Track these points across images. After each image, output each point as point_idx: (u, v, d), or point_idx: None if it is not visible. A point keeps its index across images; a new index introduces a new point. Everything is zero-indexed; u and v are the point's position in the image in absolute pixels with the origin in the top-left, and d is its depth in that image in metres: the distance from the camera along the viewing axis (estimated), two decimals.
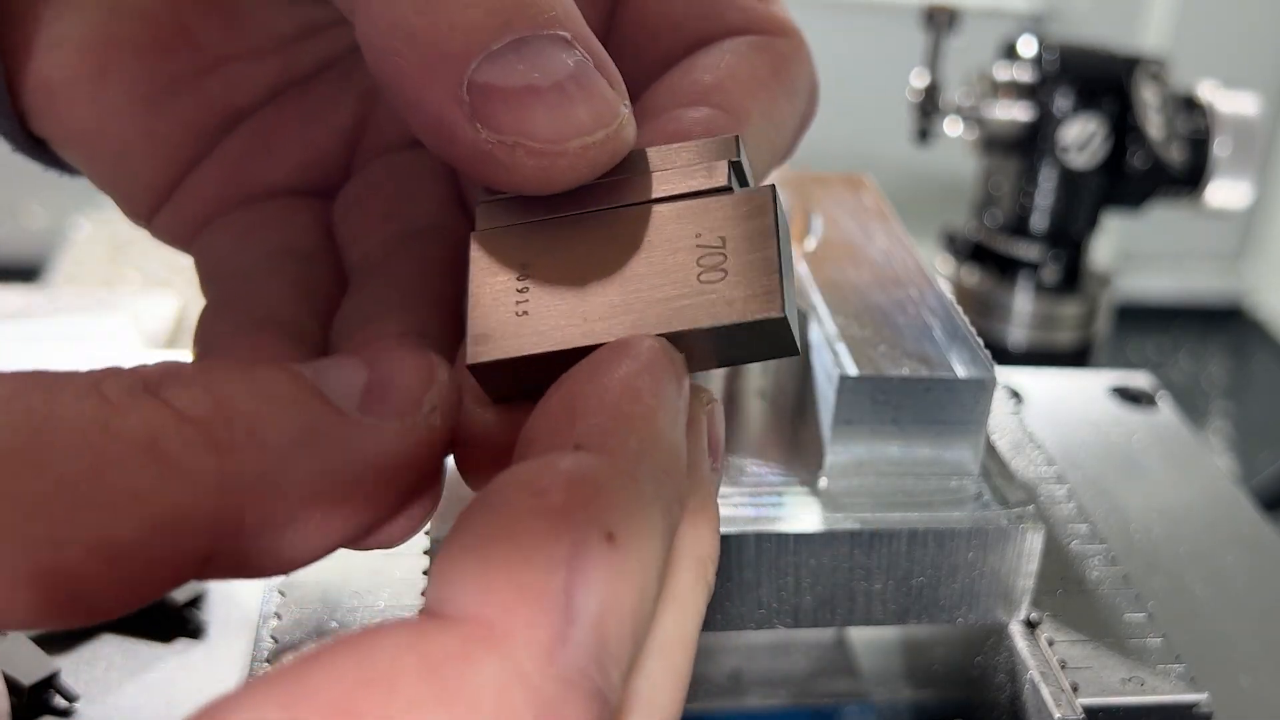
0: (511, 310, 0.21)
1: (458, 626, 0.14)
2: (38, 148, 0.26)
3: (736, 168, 0.21)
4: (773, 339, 0.20)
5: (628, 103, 0.21)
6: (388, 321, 0.23)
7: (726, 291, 0.20)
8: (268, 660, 0.28)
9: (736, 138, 0.22)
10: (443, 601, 0.15)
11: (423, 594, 0.29)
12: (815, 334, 0.32)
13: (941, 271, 0.83)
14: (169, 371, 0.17)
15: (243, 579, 0.18)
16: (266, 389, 0.17)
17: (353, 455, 0.17)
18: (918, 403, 0.30)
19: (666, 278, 0.20)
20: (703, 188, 0.21)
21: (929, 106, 0.76)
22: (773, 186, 0.21)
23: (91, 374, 0.16)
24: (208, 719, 0.13)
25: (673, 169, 0.21)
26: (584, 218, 0.21)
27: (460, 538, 0.15)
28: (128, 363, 0.17)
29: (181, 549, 0.16)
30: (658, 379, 0.18)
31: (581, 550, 0.15)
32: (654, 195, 0.21)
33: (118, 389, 0.16)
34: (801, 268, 0.35)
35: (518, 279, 0.21)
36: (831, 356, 0.31)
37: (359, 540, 0.18)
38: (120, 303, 0.67)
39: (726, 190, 0.21)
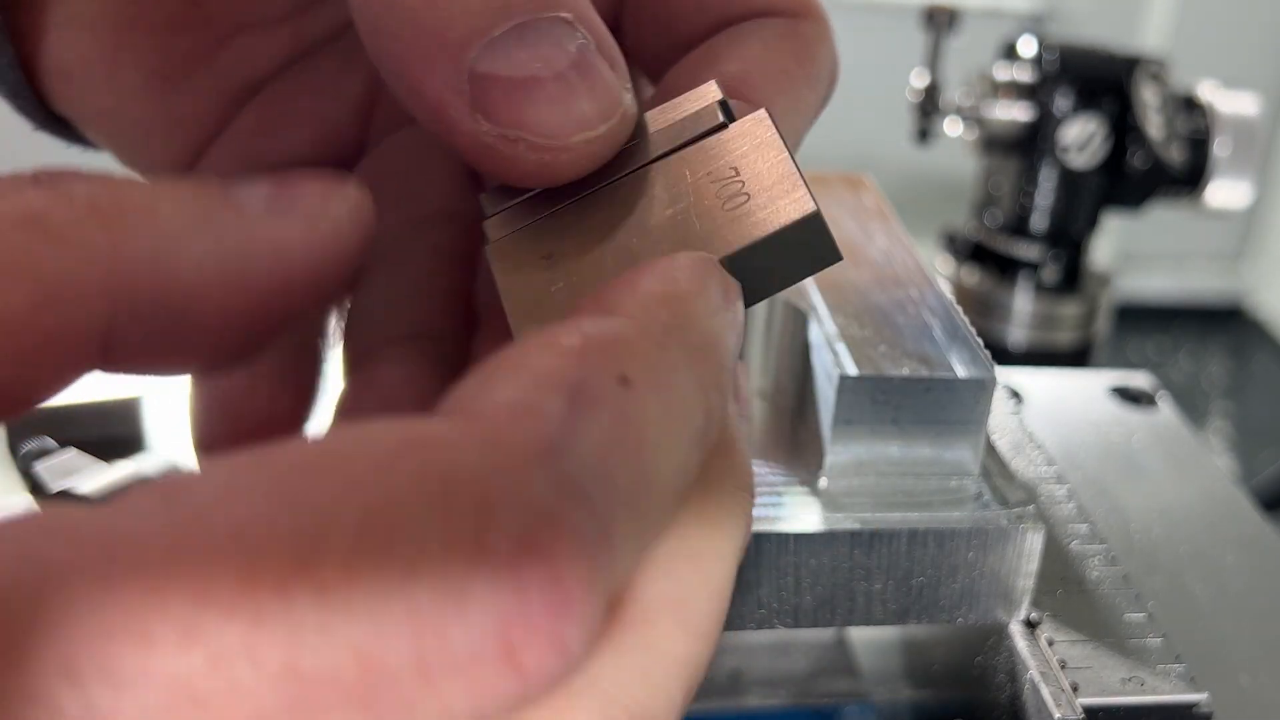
0: (550, 302, 0.20)
1: (448, 417, 0.14)
2: (60, 125, 0.26)
3: (724, 105, 0.21)
4: (815, 243, 0.20)
5: (629, 85, 0.20)
6: (398, 323, 0.23)
7: (756, 211, 0.20)
8: None
9: (714, 82, 0.22)
10: (444, 406, 0.14)
11: None
12: (815, 334, 0.32)
13: (941, 271, 0.83)
14: (69, 171, 0.17)
15: (143, 373, 0.17)
16: (164, 185, 0.17)
17: (250, 247, 0.17)
18: (918, 403, 0.30)
19: (696, 220, 0.20)
20: (699, 132, 0.21)
21: (929, 106, 0.76)
22: (763, 109, 0.21)
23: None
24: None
25: (665, 125, 0.22)
26: (595, 194, 0.21)
27: (473, 371, 0.15)
28: None
29: (74, 324, 0.16)
30: (696, 274, 0.18)
31: (592, 382, 0.14)
32: (655, 155, 0.21)
33: (10, 177, 0.16)
34: None
35: (545, 271, 0.21)
36: (831, 356, 0.31)
37: (262, 339, 0.18)
38: None
39: (722, 127, 0.21)
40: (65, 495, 0.38)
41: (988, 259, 0.80)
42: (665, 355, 0.16)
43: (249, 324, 0.18)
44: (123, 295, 0.16)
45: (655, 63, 0.24)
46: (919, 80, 0.77)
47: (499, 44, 0.19)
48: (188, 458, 0.40)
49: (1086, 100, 0.74)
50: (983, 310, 0.80)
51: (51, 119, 0.26)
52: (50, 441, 0.41)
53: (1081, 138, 0.75)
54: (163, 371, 0.18)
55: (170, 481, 0.13)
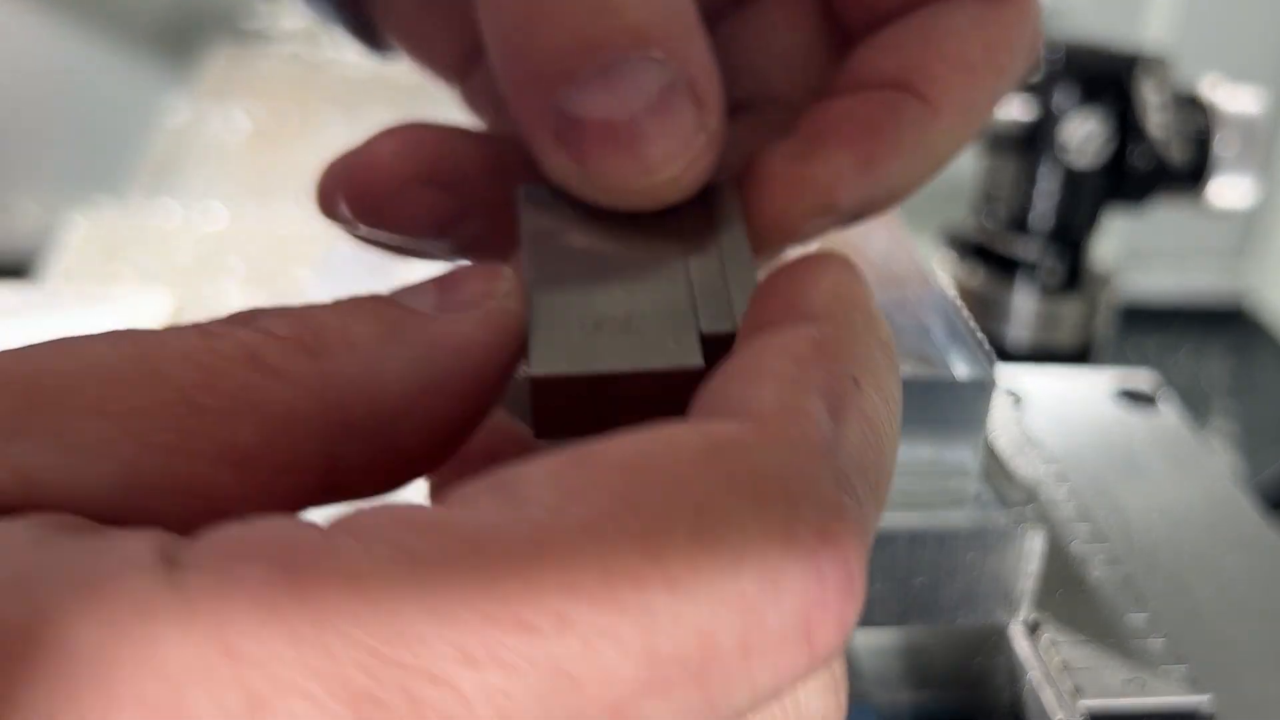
0: (579, 324, 0.19)
1: (735, 419, 0.15)
2: (364, 32, 0.29)
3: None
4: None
5: (715, 121, 0.21)
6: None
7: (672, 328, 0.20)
8: None
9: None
10: (710, 408, 0.16)
11: None
12: None
13: (942, 271, 0.83)
14: (255, 309, 0.18)
15: (365, 495, 0.18)
16: (346, 307, 0.18)
17: (439, 347, 0.18)
18: (917, 403, 0.30)
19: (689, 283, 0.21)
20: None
21: None
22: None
23: (186, 324, 0.18)
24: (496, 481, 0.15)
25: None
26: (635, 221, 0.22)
27: (719, 377, 0.17)
28: None
29: (299, 454, 0.17)
30: (858, 273, 0.20)
31: (837, 386, 0.17)
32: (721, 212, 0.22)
33: (212, 323, 0.18)
34: None
35: (582, 290, 0.20)
36: None
37: (461, 438, 0.19)
38: (115, 300, 0.67)
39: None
40: None
41: (988, 258, 0.80)
42: (872, 354, 0.18)
43: (452, 423, 0.19)
44: (339, 420, 0.17)
45: (854, 29, 0.25)
46: None
47: (584, 85, 0.21)
48: None
49: (1087, 98, 0.74)
50: (983, 309, 0.80)
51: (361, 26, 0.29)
52: None
53: (1082, 136, 0.74)
54: (382, 490, 0.19)
55: (495, 480, 0.14)
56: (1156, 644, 0.32)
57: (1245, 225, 2.31)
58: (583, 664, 0.13)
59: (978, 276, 0.81)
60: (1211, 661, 0.38)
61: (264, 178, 1.06)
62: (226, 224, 0.87)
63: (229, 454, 0.16)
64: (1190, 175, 0.76)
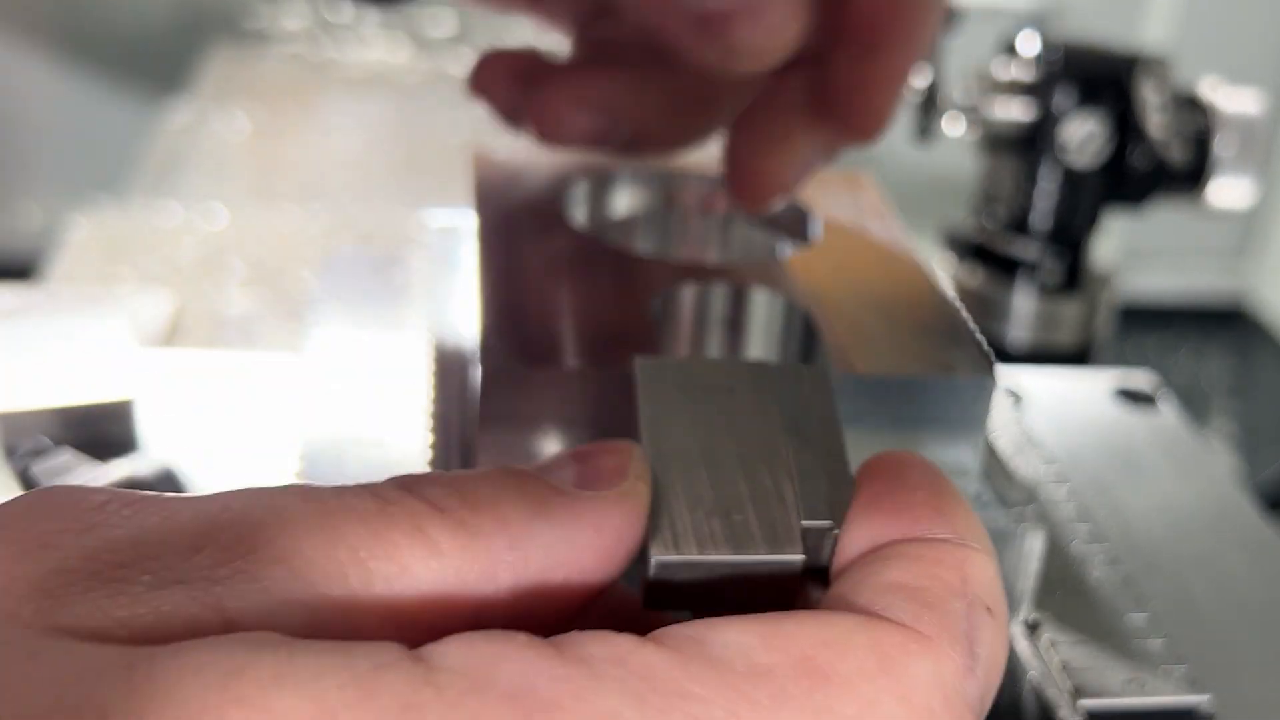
0: (692, 509, 0.22)
1: (899, 629, 0.18)
2: None
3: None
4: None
5: None
6: None
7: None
8: None
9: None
10: (879, 607, 0.19)
11: None
12: (814, 333, 0.32)
13: (942, 271, 0.83)
14: (418, 476, 0.20)
15: None
16: (498, 481, 0.20)
17: (579, 526, 0.20)
18: (918, 403, 0.30)
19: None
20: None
21: (929, 105, 0.76)
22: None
23: (360, 485, 0.20)
24: (695, 632, 0.17)
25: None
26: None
27: (881, 573, 0.20)
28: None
29: (452, 618, 0.19)
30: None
31: (980, 618, 0.19)
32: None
33: (383, 487, 0.19)
34: (802, 267, 0.35)
35: (696, 474, 0.22)
36: (831, 356, 0.31)
37: (592, 601, 0.21)
38: (116, 301, 0.67)
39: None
40: None
41: (988, 258, 0.80)
42: (998, 583, 0.20)
43: (588, 590, 0.20)
44: (487, 588, 0.19)
45: None
46: (919, 79, 0.77)
47: None
48: (180, 459, 0.40)
49: (1087, 99, 0.74)
50: (982, 310, 0.80)
51: None
52: (45, 441, 0.41)
53: (1082, 136, 0.75)
54: None
55: (692, 632, 0.18)
56: (1156, 644, 0.32)
57: (1245, 226, 2.31)
58: None
59: (977, 277, 0.81)
60: (1211, 661, 0.38)
61: (265, 178, 1.06)
62: (228, 224, 0.87)
63: (392, 617, 0.18)
64: (1190, 176, 0.76)
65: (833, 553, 0.22)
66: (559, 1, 0.38)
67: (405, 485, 0.20)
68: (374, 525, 0.18)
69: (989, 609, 0.19)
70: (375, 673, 0.15)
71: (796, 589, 0.22)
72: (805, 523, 0.22)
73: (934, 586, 0.19)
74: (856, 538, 0.21)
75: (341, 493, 0.19)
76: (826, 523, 0.22)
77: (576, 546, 0.20)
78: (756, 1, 0.28)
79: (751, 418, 0.24)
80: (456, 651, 0.16)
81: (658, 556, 0.21)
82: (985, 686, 0.19)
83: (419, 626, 0.18)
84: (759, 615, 0.18)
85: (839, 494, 0.22)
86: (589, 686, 0.16)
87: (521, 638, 0.16)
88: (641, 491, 0.21)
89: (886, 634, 0.18)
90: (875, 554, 0.20)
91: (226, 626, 0.17)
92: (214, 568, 0.17)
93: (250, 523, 0.18)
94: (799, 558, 0.21)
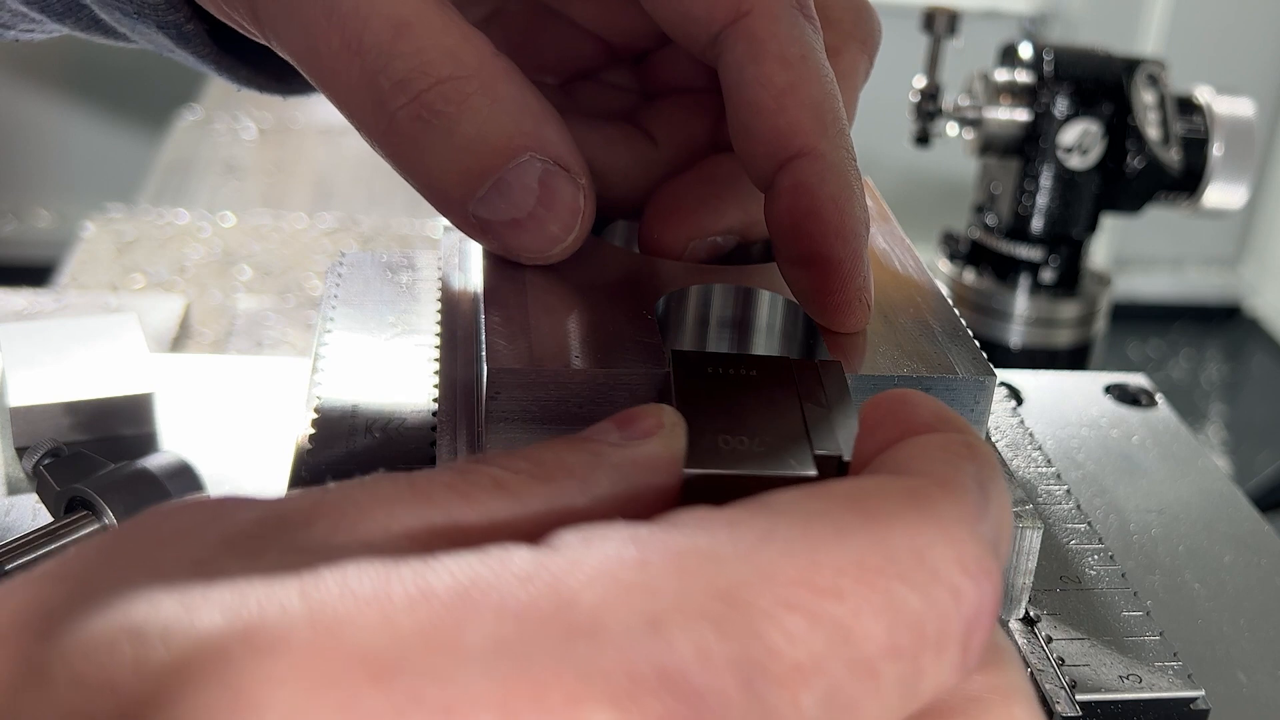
0: (720, 438, 0.25)
1: (924, 477, 0.20)
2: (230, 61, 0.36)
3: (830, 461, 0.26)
4: None
5: (585, 179, 0.30)
6: None
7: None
8: None
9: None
10: (907, 466, 0.21)
11: None
12: (815, 333, 0.32)
13: (941, 272, 0.83)
14: (483, 455, 0.22)
15: None
16: (556, 445, 0.23)
17: (635, 465, 0.23)
18: None
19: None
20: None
21: (929, 108, 0.77)
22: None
23: (446, 468, 0.22)
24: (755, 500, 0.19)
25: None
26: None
27: (894, 454, 0.22)
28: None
29: None
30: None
31: (986, 474, 0.21)
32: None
33: (454, 463, 0.22)
34: None
35: (721, 416, 0.26)
36: (831, 356, 0.31)
37: None
38: (126, 304, 0.68)
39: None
40: (75, 497, 0.38)
41: (987, 260, 0.81)
42: (1000, 464, 0.23)
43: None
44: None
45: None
46: (919, 82, 0.78)
47: (486, 199, 0.29)
48: (199, 455, 0.40)
49: (1085, 102, 0.75)
50: (982, 311, 0.81)
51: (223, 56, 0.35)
52: (59, 444, 0.41)
53: (1080, 140, 0.75)
54: None
55: (757, 502, 0.20)
56: (1152, 639, 0.33)
57: (1242, 228, 2.31)
58: (854, 622, 0.18)
59: (977, 278, 0.81)
60: (1206, 657, 0.39)
61: (272, 183, 1.06)
62: (235, 228, 0.88)
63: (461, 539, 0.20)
64: (1186, 178, 0.76)
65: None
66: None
67: (474, 460, 0.22)
68: (459, 487, 0.21)
69: (1000, 485, 0.22)
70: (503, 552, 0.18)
71: None
72: (817, 450, 0.25)
73: (946, 455, 0.21)
74: (867, 446, 0.23)
75: (427, 471, 0.21)
76: (835, 453, 0.25)
77: (636, 485, 0.22)
78: (530, 218, 0.29)
79: (773, 390, 0.27)
80: (571, 536, 0.18)
81: (687, 469, 0.24)
82: (998, 528, 0.21)
83: None
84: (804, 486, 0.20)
85: (847, 433, 0.26)
86: (677, 533, 0.18)
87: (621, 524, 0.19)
88: (680, 434, 0.24)
89: (914, 481, 0.20)
90: (888, 452, 0.22)
91: None
92: (329, 535, 0.19)
93: (352, 499, 0.20)
94: (813, 474, 0.25)
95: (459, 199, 0.29)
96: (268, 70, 0.37)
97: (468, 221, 0.29)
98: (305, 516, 0.19)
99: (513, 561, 0.17)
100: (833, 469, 0.25)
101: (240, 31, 0.31)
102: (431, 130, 0.28)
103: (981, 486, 0.21)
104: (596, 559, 0.17)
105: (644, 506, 0.22)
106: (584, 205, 0.30)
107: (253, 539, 0.19)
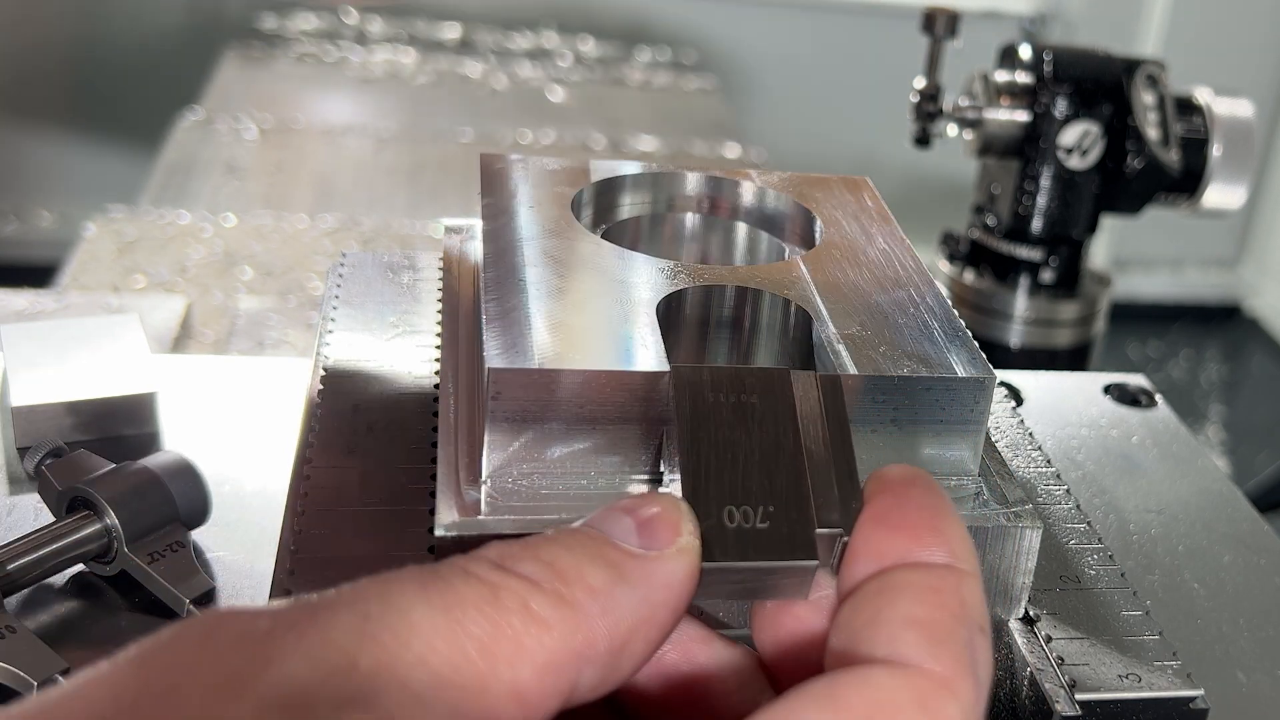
0: (722, 516, 0.25)
1: (927, 674, 0.22)
2: None
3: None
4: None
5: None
6: None
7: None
8: None
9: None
10: (902, 646, 0.22)
11: None
12: (817, 335, 0.32)
13: (941, 272, 0.83)
14: (503, 551, 0.23)
15: (602, 695, 0.23)
16: (575, 547, 0.23)
17: (655, 585, 0.23)
18: (918, 402, 0.31)
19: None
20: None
21: (929, 109, 0.77)
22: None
23: (451, 562, 0.22)
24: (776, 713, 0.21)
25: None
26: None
27: (894, 606, 0.23)
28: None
29: (563, 683, 0.22)
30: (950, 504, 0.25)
31: (977, 640, 0.23)
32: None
33: (479, 567, 0.22)
34: (803, 269, 0.35)
35: (726, 482, 0.26)
36: (832, 357, 0.31)
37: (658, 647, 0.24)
38: (128, 304, 0.68)
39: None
40: (78, 496, 0.38)
41: (987, 260, 0.81)
42: (984, 601, 0.24)
43: (662, 639, 0.24)
44: (588, 655, 0.22)
45: None
46: (918, 83, 0.78)
47: None
48: (200, 455, 0.40)
49: (1084, 103, 0.75)
50: (982, 311, 0.81)
51: None
52: (60, 444, 0.42)
53: (1080, 140, 0.75)
54: (611, 690, 0.24)
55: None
56: (1152, 639, 0.33)
57: (1241, 228, 2.31)
58: None
59: (976, 278, 0.81)
60: (1205, 656, 0.39)
61: (273, 183, 1.06)
62: (236, 229, 0.88)
63: (513, 693, 0.21)
64: (1185, 179, 0.76)
65: (841, 555, 0.25)
66: None
67: (499, 564, 0.22)
68: (489, 613, 0.21)
69: (981, 628, 0.23)
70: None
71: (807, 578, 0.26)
72: (819, 530, 0.25)
73: (941, 618, 0.22)
74: (863, 552, 0.24)
75: (450, 579, 0.22)
76: (837, 531, 0.25)
77: (654, 604, 0.23)
78: None
79: (773, 426, 0.27)
80: None
81: (703, 563, 0.24)
82: (986, 697, 0.22)
83: (541, 693, 0.21)
84: (821, 689, 0.21)
85: (849, 504, 0.26)
86: None
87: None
88: (695, 546, 0.24)
89: (921, 682, 0.21)
90: (884, 583, 0.23)
91: None
92: (370, 679, 0.20)
93: (388, 627, 0.21)
94: (814, 563, 0.25)
95: None
96: None
97: None
98: (350, 660, 0.20)
99: None
100: (829, 548, 0.26)
101: None
102: None
103: (973, 658, 0.22)
104: None
105: (658, 625, 0.23)
106: None
107: (301, 691, 0.20)
